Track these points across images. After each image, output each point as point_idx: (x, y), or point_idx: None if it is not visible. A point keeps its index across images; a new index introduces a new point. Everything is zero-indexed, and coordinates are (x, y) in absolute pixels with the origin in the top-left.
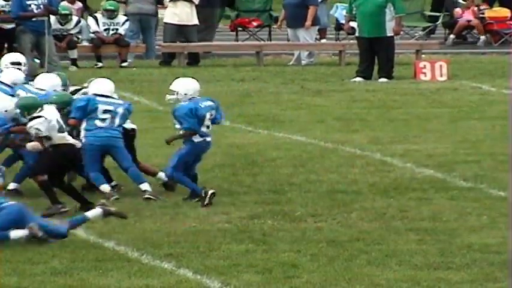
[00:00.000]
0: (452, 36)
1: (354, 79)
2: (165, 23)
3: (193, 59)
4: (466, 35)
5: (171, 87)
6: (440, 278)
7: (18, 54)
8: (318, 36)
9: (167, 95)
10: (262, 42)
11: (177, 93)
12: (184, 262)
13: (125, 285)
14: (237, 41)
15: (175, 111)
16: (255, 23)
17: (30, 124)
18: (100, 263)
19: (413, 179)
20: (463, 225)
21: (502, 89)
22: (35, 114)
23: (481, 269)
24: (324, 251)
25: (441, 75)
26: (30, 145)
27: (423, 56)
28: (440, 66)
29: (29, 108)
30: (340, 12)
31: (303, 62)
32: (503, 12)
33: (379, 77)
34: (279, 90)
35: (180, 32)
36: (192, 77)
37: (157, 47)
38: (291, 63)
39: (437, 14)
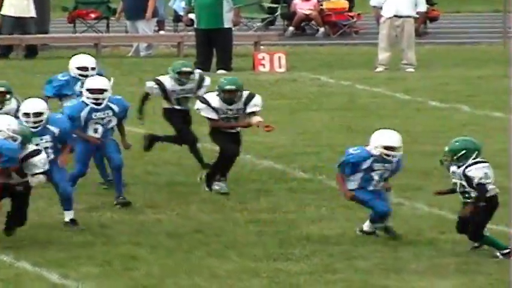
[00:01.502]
0: (291, 28)
1: None
2: (3, 15)
3: (31, 51)
4: (305, 27)
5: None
6: (279, 269)
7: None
8: (156, 28)
9: None
10: (100, 34)
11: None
12: (23, 255)
13: None
14: (75, 32)
15: None
16: (93, 15)
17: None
18: None
19: (253, 171)
20: (302, 217)
21: (341, 81)
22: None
23: (321, 260)
24: (163, 243)
25: (280, 67)
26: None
27: (262, 47)
28: (279, 57)
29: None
30: (178, 4)
31: (142, 54)
32: (341, 3)
33: (218, 69)
34: (118, 82)
35: (18, 24)
36: (30, 70)
37: None
38: (129, 54)
39: (276, 5)
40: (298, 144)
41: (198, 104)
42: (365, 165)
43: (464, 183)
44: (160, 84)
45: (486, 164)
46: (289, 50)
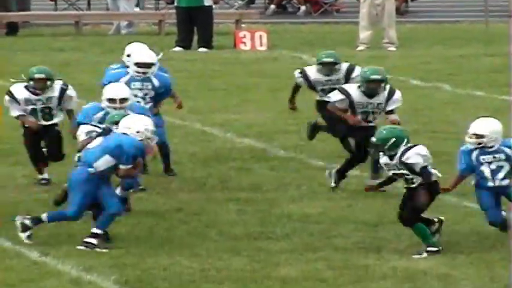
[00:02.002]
0: (272, 6)
1: (174, 49)
2: None
3: (12, 29)
4: (286, 5)
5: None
6: (260, 247)
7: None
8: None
9: None
10: (81, 12)
11: None
12: (3, 233)
13: None
14: (56, 10)
15: None
16: None
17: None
18: None
19: (234, 149)
20: (283, 195)
21: None
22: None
23: (301, 239)
24: (143, 222)
25: (261, 45)
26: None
27: (243, 25)
28: (260, 36)
29: None
30: None
31: (123, 32)
32: None
33: (199, 47)
34: (99, 59)
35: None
36: (11, 47)
37: None
38: (110, 32)
39: None
40: (279, 123)
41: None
42: None
43: (405, 171)
44: (303, 73)
45: (419, 147)
46: (271, 28)
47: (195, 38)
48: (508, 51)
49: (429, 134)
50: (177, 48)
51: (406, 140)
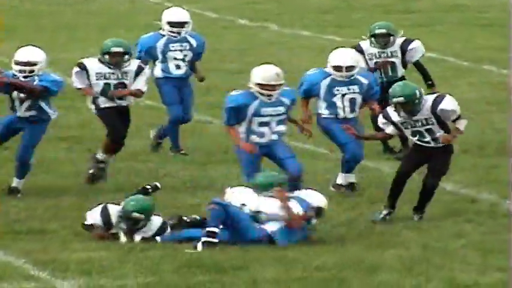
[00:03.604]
0: None
1: None
2: None
3: None
4: None
5: None
6: (88, 187)
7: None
8: None
9: None
10: None
11: None
12: None
13: None
14: None
15: None
16: None
17: None
18: None
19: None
20: None
21: None
22: None
23: (128, 178)
24: None
25: None
26: None
27: None
28: None
29: None
30: None
31: None
32: None
33: None
34: None
35: None
36: None
37: None
38: None
39: None
40: None
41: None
42: None
43: (429, 126)
44: (358, 48)
45: (448, 96)
46: None
47: None
48: None
49: None
50: None
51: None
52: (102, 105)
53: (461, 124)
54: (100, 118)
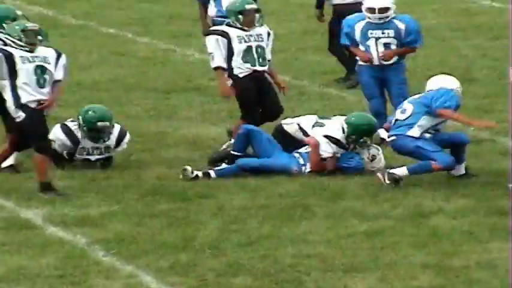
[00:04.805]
0: None
1: None
2: None
3: None
4: None
5: None
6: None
7: None
8: None
9: None
10: None
11: None
12: None
13: None
14: None
15: None
16: None
17: None
18: None
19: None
20: (74, 64)
21: None
22: None
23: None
24: None
25: None
26: None
27: None
28: None
29: None
30: None
31: None
32: None
33: None
34: None
35: None
36: None
37: None
38: None
39: None
40: None
41: None
42: None
43: None
44: None
45: None
46: None
47: None
48: None
49: None
50: None
51: None
52: None
53: None
54: None
